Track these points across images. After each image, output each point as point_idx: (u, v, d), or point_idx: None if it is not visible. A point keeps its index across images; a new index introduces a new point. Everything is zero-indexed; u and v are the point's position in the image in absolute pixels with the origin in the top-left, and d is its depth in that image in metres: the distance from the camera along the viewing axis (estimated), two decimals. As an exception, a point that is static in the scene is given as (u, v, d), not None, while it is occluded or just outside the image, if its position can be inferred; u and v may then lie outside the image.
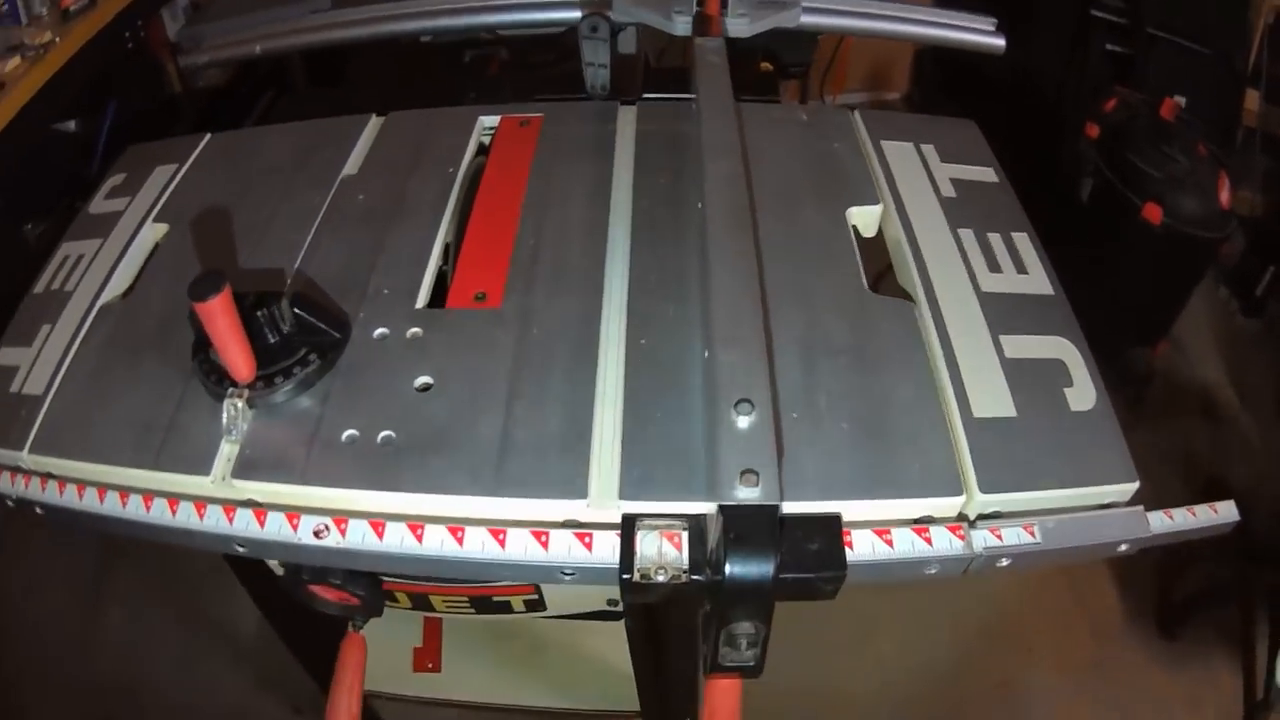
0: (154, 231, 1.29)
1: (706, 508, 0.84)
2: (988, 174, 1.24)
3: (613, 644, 1.83)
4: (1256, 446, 2.42)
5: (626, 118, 1.37)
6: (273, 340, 1.01)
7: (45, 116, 1.71)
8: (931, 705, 2.10)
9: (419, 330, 1.06)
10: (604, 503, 0.89)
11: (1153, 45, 2.19)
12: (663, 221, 1.17)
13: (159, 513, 0.96)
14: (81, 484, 1.00)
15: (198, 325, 1.01)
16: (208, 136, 1.45)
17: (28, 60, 1.69)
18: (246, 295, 0.98)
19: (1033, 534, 0.85)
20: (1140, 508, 0.88)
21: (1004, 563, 0.86)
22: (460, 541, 0.88)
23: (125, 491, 0.98)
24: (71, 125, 1.82)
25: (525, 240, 1.16)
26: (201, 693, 2.35)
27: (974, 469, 0.87)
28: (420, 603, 1.48)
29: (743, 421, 0.82)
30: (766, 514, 0.77)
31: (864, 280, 1.09)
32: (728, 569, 0.75)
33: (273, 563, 1.28)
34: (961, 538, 0.85)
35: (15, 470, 1.06)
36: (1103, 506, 0.89)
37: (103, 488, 0.99)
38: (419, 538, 0.89)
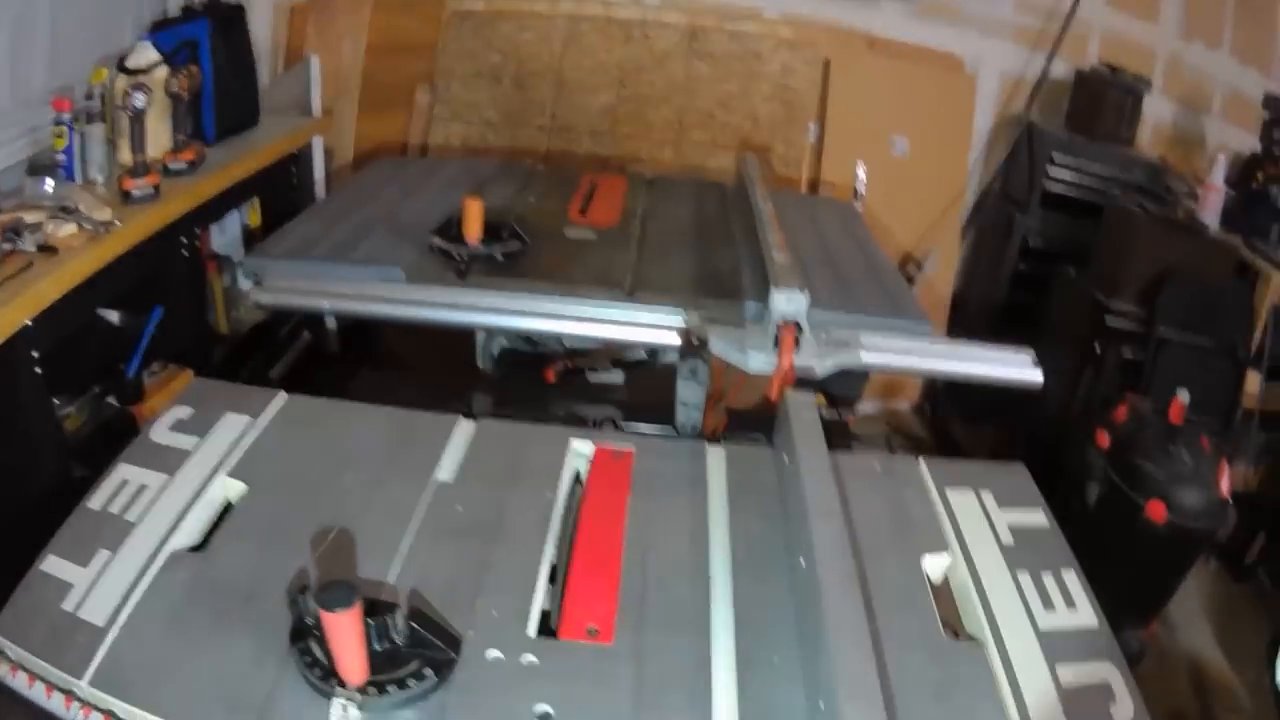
0: (227, 487, 1.32)
1: None
2: (1038, 517, 1.40)
3: None
4: (1246, 704, 2.58)
5: (715, 459, 1.48)
6: (379, 648, 1.05)
7: (95, 300, 1.69)
8: None
9: (534, 658, 1.11)
10: None
11: (1162, 348, 2.43)
12: (761, 569, 1.27)
13: None
14: None
15: (303, 615, 1.06)
16: (284, 396, 1.49)
17: (85, 233, 1.67)
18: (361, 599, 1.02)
19: None
20: None
21: None
22: None
23: None
24: (116, 317, 1.79)
25: (632, 577, 1.24)
26: None
27: None
28: None
29: None
30: None
31: (939, 626, 1.21)
32: None
33: None
34: None
35: (70, 696, 1.05)
36: None
37: None
38: None
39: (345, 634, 0.98)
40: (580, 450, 1.48)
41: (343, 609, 0.96)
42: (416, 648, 1.07)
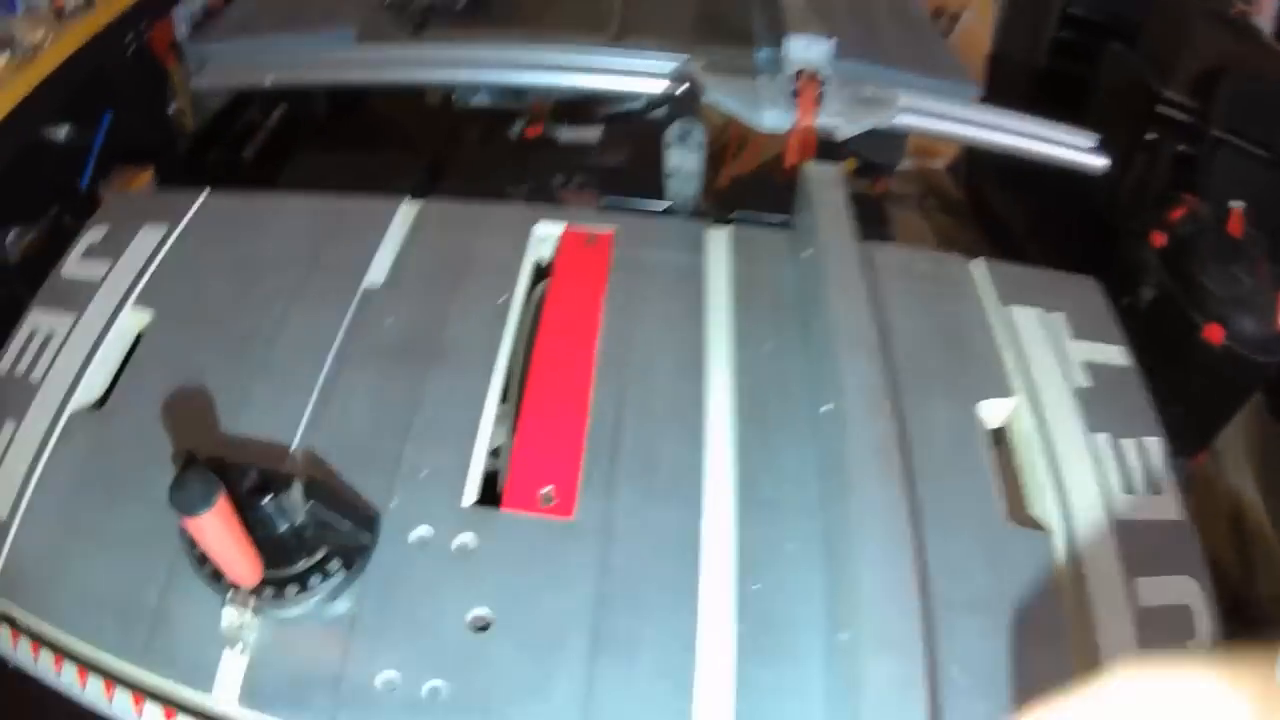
0: (135, 318, 1.15)
1: None
2: (1118, 356, 1.12)
3: None
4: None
5: (717, 246, 1.20)
6: (281, 529, 0.86)
7: (33, 122, 1.55)
8: None
9: (470, 538, 0.91)
10: None
11: (1217, 148, 2.10)
12: (774, 407, 1.02)
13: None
14: (58, 654, 0.90)
15: None
16: (205, 194, 1.29)
17: (17, 59, 1.54)
18: (248, 472, 0.84)
19: None
20: None
21: None
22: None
23: (110, 681, 0.88)
24: (63, 133, 1.64)
25: (602, 416, 1.01)
26: None
27: None
28: None
29: None
30: None
31: (997, 505, 0.96)
32: None
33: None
34: None
35: None
36: None
37: (83, 667, 0.89)
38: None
39: (213, 538, 0.80)
40: (546, 234, 1.21)
41: (202, 509, 0.76)
42: (323, 530, 0.88)
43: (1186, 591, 0.92)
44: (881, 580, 0.80)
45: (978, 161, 2.77)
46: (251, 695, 0.83)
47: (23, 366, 1.11)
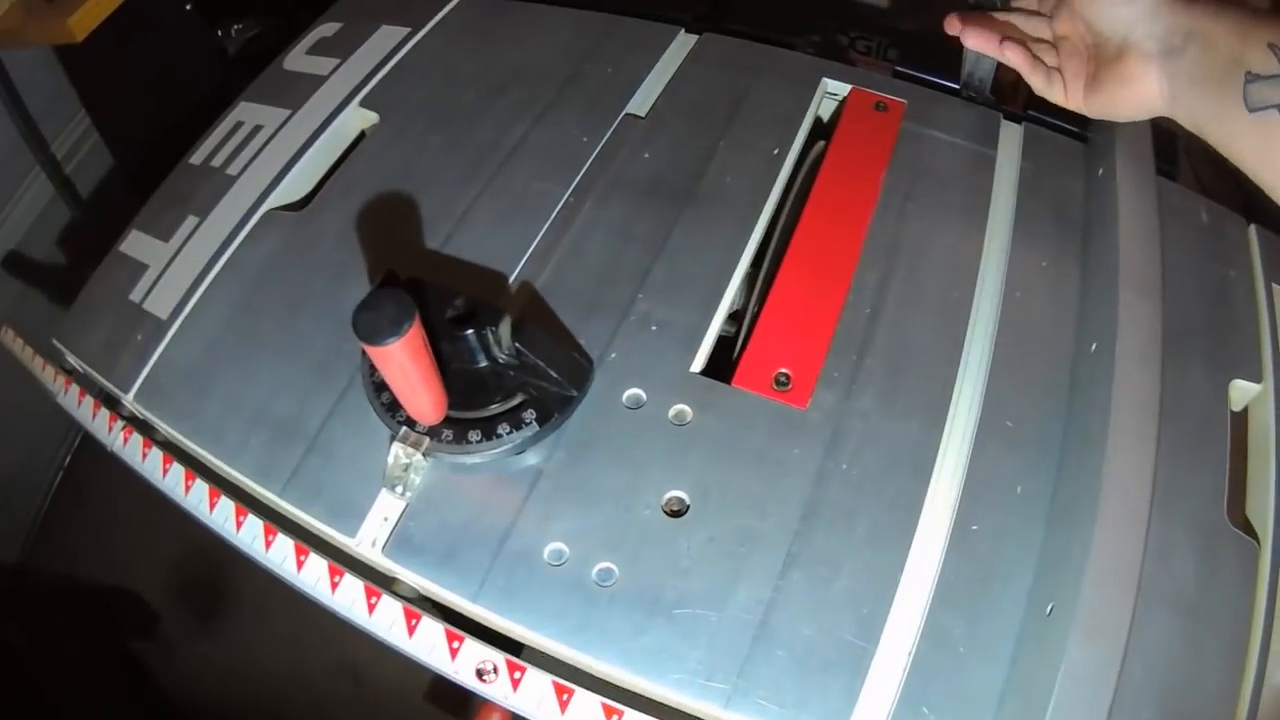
0: (359, 119, 1.07)
1: None
2: None
3: None
4: None
5: (1009, 142, 1.05)
6: (480, 366, 0.78)
7: None
8: None
9: (687, 410, 0.80)
10: None
11: None
12: (1039, 330, 0.88)
13: (279, 556, 0.80)
14: (191, 471, 0.85)
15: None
16: (459, -1, 1.20)
17: None
18: (454, 301, 0.75)
19: None
20: None
21: None
22: (667, 743, 0.71)
23: (244, 507, 0.82)
24: None
25: (860, 302, 0.87)
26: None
27: None
28: None
29: None
30: None
31: (1225, 499, 0.81)
32: None
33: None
34: None
35: (116, 411, 0.92)
36: None
37: (215, 488, 0.84)
38: (613, 724, 0.71)
39: (396, 371, 0.71)
40: (833, 90, 1.07)
41: (390, 339, 0.66)
42: (526, 375, 0.78)
43: None
44: (1110, 562, 0.68)
45: None
46: (400, 544, 0.75)
47: (220, 158, 1.05)
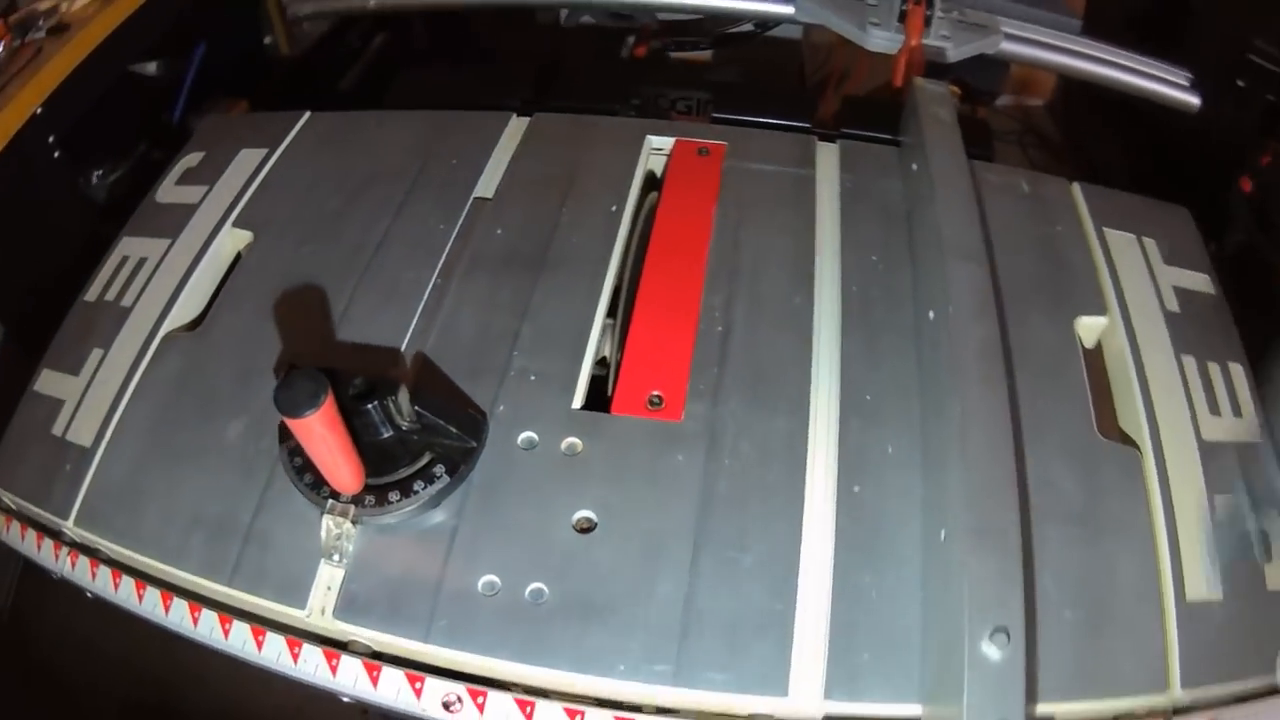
0: (234, 240, 1.12)
1: (919, 711, 0.76)
2: (1205, 283, 1.10)
3: None
4: None
5: (826, 160, 1.17)
6: (386, 435, 0.84)
7: (121, 58, 1.52)
8: None
9: (577, 441, 0.89)
10: (805, 701, 0.77)
11: None
12: (879, 317, 1.00)
13: (239, 641, 0.86)
14: (140, 581, 0.89)
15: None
16: (307, 115, 1.26)
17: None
18: (353, 381, 0.81)
19: None
20: None
21: None
22: (630, 734, 0.75)
23: (196, 604, 0.86)
24: (153, 68, 1.61)
25: (711, 323, 0.97)
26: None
27: (1179, 661, 0.80)
28: None
29: (996, 655, 0.69)
30: None
31: (1093, 418, 0.94)
32: None
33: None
34: None
35: (59, 539, 0.94)
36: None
37: (167, 592, 0.87)
38: (577, 728, 0.76)
39: (318, 441, 0.77)
40: (658, 145, 1.18)
41: (309, 411, 0.72)
42: (428, 435, 0.85)
43: (1268, 515, 0.92)
44: (982, 476, 0.78)
45: (1075, 100, 2.73)
46: (347, 607, 0.81)
47: (113, 293, 1.09)
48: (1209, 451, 0.94)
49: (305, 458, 0.83)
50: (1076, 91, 2.85)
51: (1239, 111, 2.04)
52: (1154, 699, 0.78)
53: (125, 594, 0.88)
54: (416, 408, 0.83)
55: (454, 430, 0.85)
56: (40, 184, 1.46)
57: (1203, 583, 0.84)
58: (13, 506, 0.99)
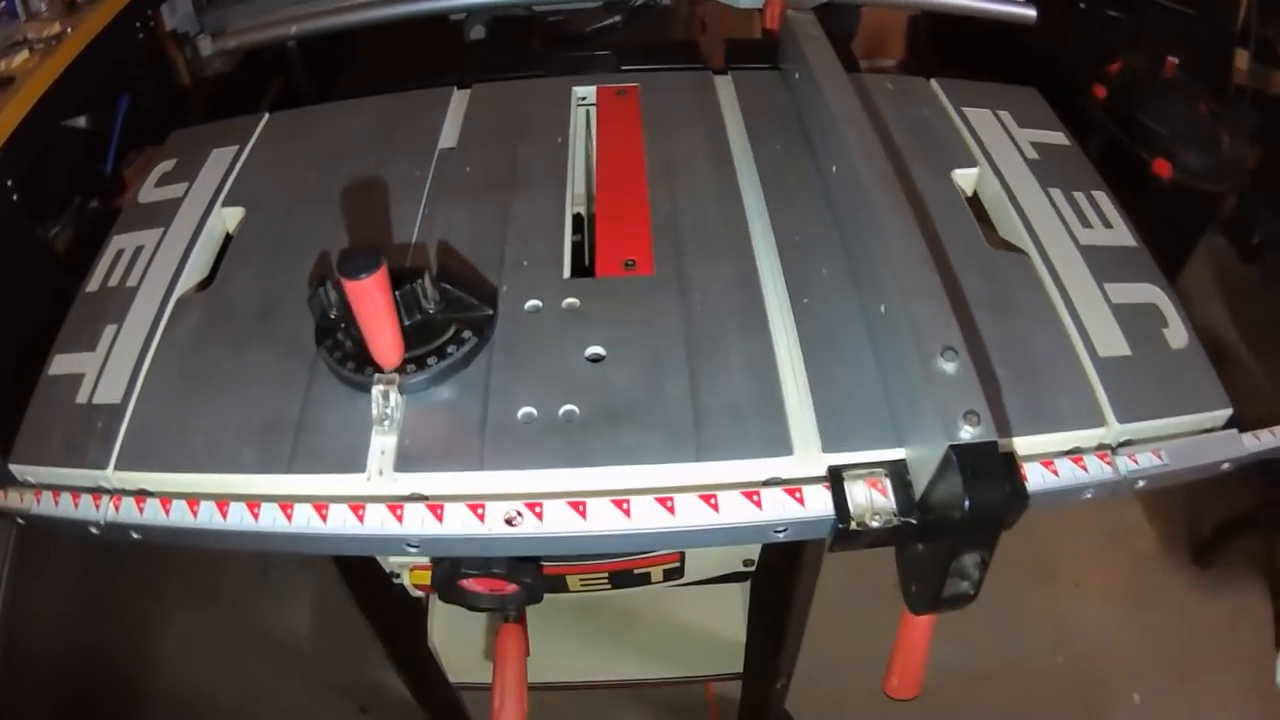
0: (226, 217, 1.22)
1: (903, 453, 0.88)
2: (1060, 138, 1.30)
3: (705, 609, 1.93)
4: (1265, 386, 2.57)
5: (724, 86, 1.38)
6: (410, 322, 0.96)
7: (58, 113, 1.58)
8: (989, 639, 2.30)
9: (574, 300, 1.04)
10: (809, 457, 0.89)
11: (1146, 9, 2.26)
12: (792, 185, 1.18)
13: (304, 521, 0.89)
14: (193, 499, 0.92)
15: (324, 308, 0.97)
16: (266, 116, 1.38)
17: (37, 54, 1.59)
18: None
19: (1160, 457, 0.92)
20: (1235, 430, 0.97)
21: (1140, 484, 0.92)
22: (672, 511, 0.87)
23: (254, 501, 0.91)
24: (83, 121, 1.69)
25: (660, 207, 1.15)
26: (258, 700, 2.29)
27: (1109, 403, 0.93)
28: (555, 585, 1.44)
29: (950, 368, 0.83)
30: (992, 449, 0.79)
31: (981, 235, 1.12)
32: (969, 503, 0.77)
33: (393, 561, 1.22)
34: (1109, 464, 0.91)
35: (98, 492, 0.96)
36: (1203, 431, 0.97)
37: (222, 500, 0.91)
38: (627, 512, 0.87)
39: (374, 305, 0.88)
40: (583, 95, 1.37)
41: (368, 274, 0.84)
42: (451, 312, 0.98)
43: (1152, 294, 1.07)
44: (902, 258, 0.93)
45: (925, 57, 2.92)
46: (404, 461, 0.90)
47: (115, 280, 1.15)
48: (1089, 251, 1.09)
49: (345, 348, 0.95)
50: (924, 48, 3.08)
51: (1085, 30, 2.26)
52: (1097, 432, 0.92)
53: (178, 516, 0.91)
54: (441, 285, 0.97)
55: (473, 301, 0.99)
56: (4, 228, 1.52)
57: (1110, 343, 0.99)
58: (40, 483, 1.00)
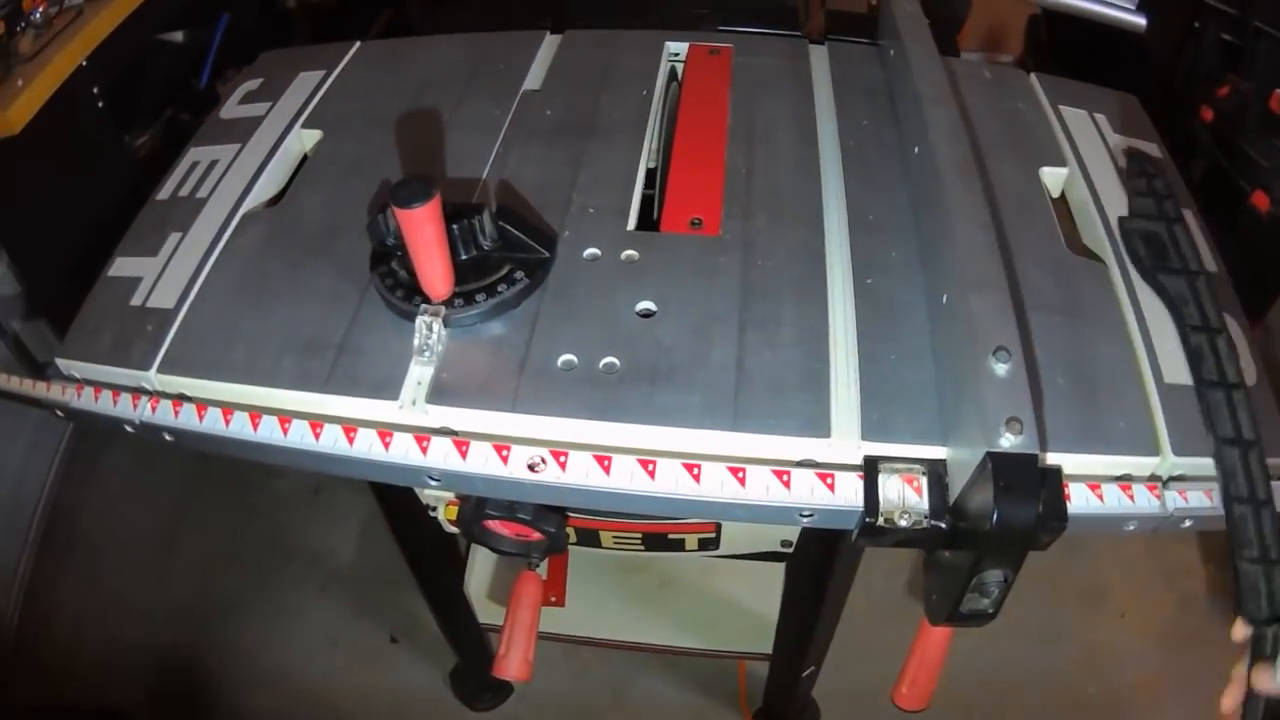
0: (304, 138, 1.20)
1: (944, 453, 0.82)
2: (1154, 149, 1.20)
3: (746, 585, 1.88)
4: None
5: (818, 56, 1.31)
6: (466, 256, 0.93)
7: (154, 25, 1.59)
8: (1026, 653, 2.21)
9: (634, 253, 0.98)
10: (846, 443, 0.83)
11: (1259, 38, 2.16)
12: (873, 162, 1.11)
13: (331, 441, 0.87)
14: (227, 408, 0.90)
15: (382, 235, 0.94)
16: (357, 44, 1.35)
17: None
18: (443, 205, 0.88)
19: (1211, 499, 0.83)
20: None
21: (1187, 524, 0.85)
22: (697, 479, 0.82)
23: (286, 417, 0.88)
24: (180, 36, 1.69)
25: (736, 169, 1.09)
26: (289, 619, 2.28)
27: (1167, 432, 0.85)
28: (588, 539, 1.40)
29: (1001, 369, 0.76)
30: (1030, 462, 0.72)
31: (1062, 238, 1.05)
32: (996, 516, 0.70)
33: (430, 494, 1.18)
34: (1158, 496, 0.84)
35: (138, 392, 0.95)
36: None
37: (255, 412, 0.89)
38: (651, 474, 0.82)
39: (424, 235, 0.85)
40: (675, 51, 1.32)
41: (420, 204, 0.81)
42: (508, 251, 0.94)
43: (1227, 324, 0.96)
44: (970, 248, 0.86)
45: (1043, 55, 2.84)
46: (438, 393, 0.86)
47: (187, 189, 1.13)
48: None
49: (397, 276, 0.91)
50: (1044, 46, 3.00)
51: (1197, 50, 2.17)
52: (1150, 461, 0.84)
53: (211, 423, 0.90)
54: (499, 224, 0.93)
55: (531, 243, 0.94)
56: (86, 132, 1.53)
57: (1177, 369, 0.90)
58: (85, 379, 0.99)
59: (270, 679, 2.18)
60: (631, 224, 1.02)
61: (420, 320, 0.88)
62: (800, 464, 0.83)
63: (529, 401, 0.85)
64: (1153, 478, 0.85)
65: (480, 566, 1.91)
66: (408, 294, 0.91)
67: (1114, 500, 0.83)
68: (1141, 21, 1.66)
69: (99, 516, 2.43)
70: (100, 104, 1.54)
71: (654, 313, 0.92)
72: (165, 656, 2.20)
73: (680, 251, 0.98)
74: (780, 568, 1.84)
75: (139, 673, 2.19)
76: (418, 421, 0.87)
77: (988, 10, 3.16)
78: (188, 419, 0.91)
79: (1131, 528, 0.84)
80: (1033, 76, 1.29)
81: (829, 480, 0.81)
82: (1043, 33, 3.15)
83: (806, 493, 0.81)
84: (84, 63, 1.54)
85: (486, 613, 1.86)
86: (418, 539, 1.54)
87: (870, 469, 0.81)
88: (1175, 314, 0.94)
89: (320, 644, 2.23)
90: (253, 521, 2.45)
